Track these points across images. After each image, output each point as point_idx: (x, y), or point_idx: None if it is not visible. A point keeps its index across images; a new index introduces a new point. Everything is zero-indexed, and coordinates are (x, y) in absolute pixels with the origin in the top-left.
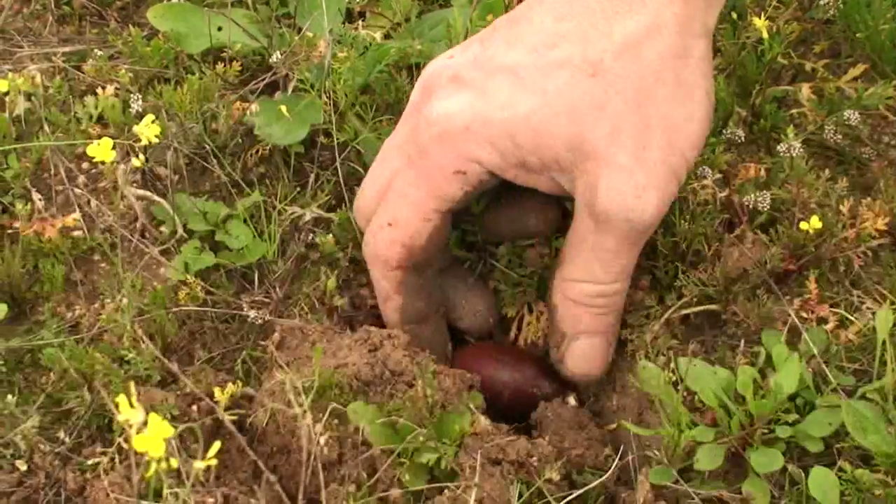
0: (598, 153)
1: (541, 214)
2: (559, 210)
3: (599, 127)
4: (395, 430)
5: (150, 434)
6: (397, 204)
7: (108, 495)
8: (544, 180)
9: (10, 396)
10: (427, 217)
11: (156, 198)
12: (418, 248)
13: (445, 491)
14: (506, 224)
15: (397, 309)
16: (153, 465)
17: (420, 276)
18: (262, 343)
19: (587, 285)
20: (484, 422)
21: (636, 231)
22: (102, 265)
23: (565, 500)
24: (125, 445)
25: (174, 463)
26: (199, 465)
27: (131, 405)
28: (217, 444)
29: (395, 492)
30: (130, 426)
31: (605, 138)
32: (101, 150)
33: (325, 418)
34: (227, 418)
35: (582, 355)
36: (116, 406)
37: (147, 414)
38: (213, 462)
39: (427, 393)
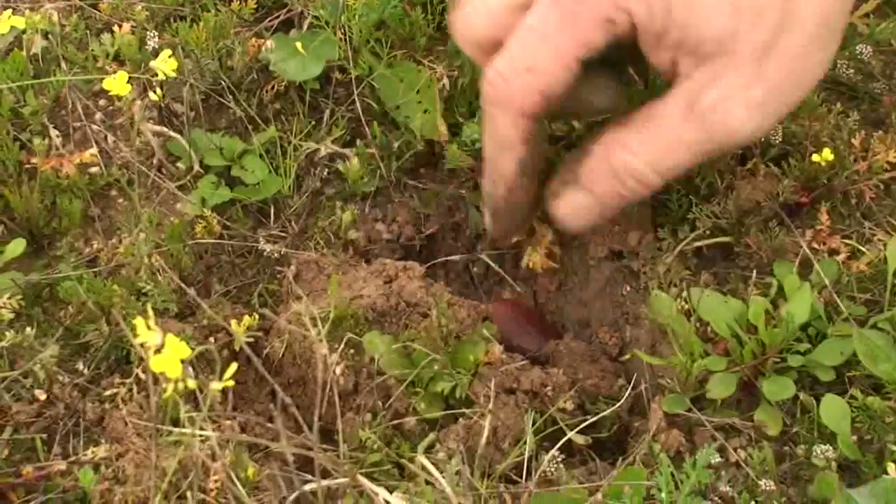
0: (739, 59)
1: (610, 93)
2: (624, 89)
3: (753, 33)
4: (409, 359)
5: (167, 355)
6: (538, 48)
7: (126, 424)
8: (666, 57)
9: (29, 329)
10: (570, 65)
11: (172, 133)
12: (555, 98)
13: (460, 419)
14: (574, 103)
15: (517, 160)
16: (170, 386)
17: (541, 126)
18: (280, 269)
19: (635, 160)
20: (498, 350)
21: (723, 141)
22: (119, 200)
23: (578, 429)
24: (143, 376)
25: (191, 384)
26: (216, 385)
27: (149, 328)
28: (234, 366)
29: (410, 420)
30: (148, 348)
31: (752, 47)
32: (117, 83)
33: (340, 348)
34: (244, 340)
35: (577, 209)
36: (134, 331)
37: (164, 336)
38: (231, 383)
39: (442, 322)
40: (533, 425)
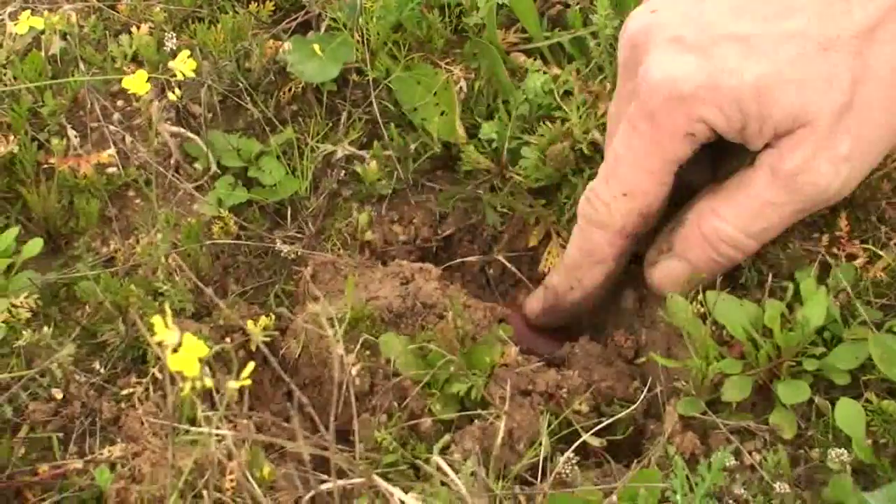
0: (818, 125)
1: (703, 167)
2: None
3: (826, 100)
4: (425, 360)
5: (184, 353)
6: (631, 173)
7: (142, 423)
8: (753, 142)
9: (46, 328)
10: (663, 181)
11: (189, 134)
12: (654, 213)
13: (476, 420)
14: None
15: (605, 274)
16: (188, 385)
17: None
18: (296, 270)
19: (728, 228)
20: (514, 352)
21: (813, 199)
22: (137, 201)
23: (593, 431)
24: (159, 376)
25: (208, 382)
26: (233, 385)
27: (166, 326)
28: (251, 365)
29: (426, 421)
30: (165, 347)
31: (828, 112)
32: (136, 82)
33: (356, 349)
34: (261, 339)
35: (671, 276)
36: (151, 328)
37: (182, 335)
38: (247, 382)
39: (458, 324)
40: (548, 427)
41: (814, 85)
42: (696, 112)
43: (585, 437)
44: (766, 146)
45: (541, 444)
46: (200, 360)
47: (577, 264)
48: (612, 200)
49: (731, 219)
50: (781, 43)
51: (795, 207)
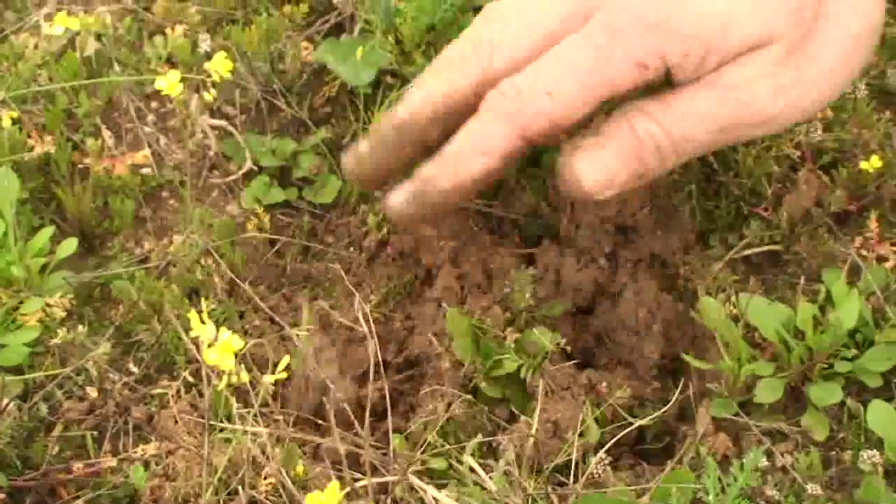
0: (769, 52)
1: None
2: None
3: (787, 28)
4: (477, 343)
5: (220, 348)
6: (565, 77)
7: (176, 422)
8: (702, 74)
9: (80, 328)
10: (589, 103)
11: (230, 128)
12: (560, 128)
13: (522, 417)
14: None
15: (486, 170)
16: (224, 379)
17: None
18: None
19: (654, 127)
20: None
21: (743, 119)
22: (171, 202)
23: (626, 431)
24: (190, 379)
25: (244, 377)
26: (268, 378)
27: (202, 322)
28: (286, 359)
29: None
30: (201, 343)
31: (791, 38)
32: (169, 83)
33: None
34: (297, 333)
35: (594, 162)
36: (187, 328)
37: (217, 329)
38: (283, 375)
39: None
40: (592, 417)
41: (777, 13)
42: (658, 42)
43: (632, 422)
44: None
45: (582, 434)
46: (236, 355)
47: (457, 152)
48: (530, 94)
49: (659, 117)
50: None
51: (724, 123)
